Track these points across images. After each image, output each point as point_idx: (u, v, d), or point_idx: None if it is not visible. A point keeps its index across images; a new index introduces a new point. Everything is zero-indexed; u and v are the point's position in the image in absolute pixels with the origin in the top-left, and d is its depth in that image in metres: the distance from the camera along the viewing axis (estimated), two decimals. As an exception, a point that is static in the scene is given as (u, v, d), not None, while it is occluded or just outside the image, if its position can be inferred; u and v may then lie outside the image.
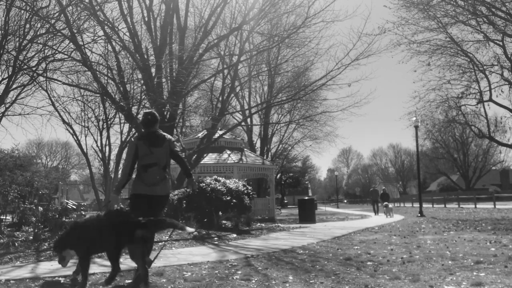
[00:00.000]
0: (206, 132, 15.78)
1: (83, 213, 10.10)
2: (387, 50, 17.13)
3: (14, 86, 9.92)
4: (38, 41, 9.90)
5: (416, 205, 32.24)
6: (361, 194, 78.02)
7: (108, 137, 9.61)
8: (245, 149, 20.19)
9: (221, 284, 4.32)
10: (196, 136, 17.95)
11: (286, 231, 11.70)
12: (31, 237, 7.36)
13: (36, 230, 7.51)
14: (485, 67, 18.99)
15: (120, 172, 12.02)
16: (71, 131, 9.61)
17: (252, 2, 13.87)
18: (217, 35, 18.31)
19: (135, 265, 5.25)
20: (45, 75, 9.93)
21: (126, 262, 5.68)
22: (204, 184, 11.22)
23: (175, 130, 14.00)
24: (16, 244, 6.78)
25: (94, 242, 4.23)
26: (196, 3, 21.75)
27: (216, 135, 15.78)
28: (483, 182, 60.07)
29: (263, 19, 14.33)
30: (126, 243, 4.19)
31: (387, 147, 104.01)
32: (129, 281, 4.51)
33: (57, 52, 10.17)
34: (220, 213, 11.43)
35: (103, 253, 6.45)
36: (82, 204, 11.46)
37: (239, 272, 4.98)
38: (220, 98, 15.59)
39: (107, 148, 10.01)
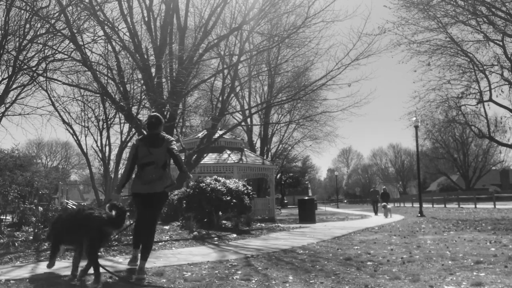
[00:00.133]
0: (206, 132, 15.77)
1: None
2: (387, 50, 17.16)
3: (14, 86, 9.91)
4: (38, 41, 9.90)
5: (416, 205, 32.24)
6: (361, 194, 77.99)
7: (108, 137, 9.62)
8: (245, 149, 20.19)
9: (221, 284, 4.32)
10: (196, 136, 17.95)
11: (286, 231, 11.70)
12: (31, 237, 7.35)
13: (36, 230, 7.50)
14: (485, 67, 19.00)
15: (120, 172, 12.04)
16: (71, 131, 9.61)
17: (252, 2, 13.88)
18: (217, 35, 18.32)
19: (135, 265, 5.27)
20: (45, 75, 9.92)
21: (126, 262, 5.68)
22: (204, 184, 11.21)
23: (175, 130, 14.00)
24: (16, 244, 6.77)
25: (63, 234, 4.55)
26: (196, 3, 21.81)
27: (216, 135, 15.77)
28: (483, 182, 60.08)
29: (263, 19, 14.33)
30: (87, 238, 4.37)
31: (387, 147, 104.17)
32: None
33: (57, 52, 10.16)
34: (220, 213, 11.43)
35: (102, 253, 6.47)
36: (82, 204, 11.46)
37: (239, 272, 4.98)
38: (220, 98, 15.59)
39: (107, 148, 10.02)
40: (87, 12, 10.29)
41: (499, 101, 23.12)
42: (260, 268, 5.28)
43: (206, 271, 5.02)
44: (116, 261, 5.83)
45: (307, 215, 16.28)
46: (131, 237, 8.05)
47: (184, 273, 4.92)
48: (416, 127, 21.66)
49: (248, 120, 29.95)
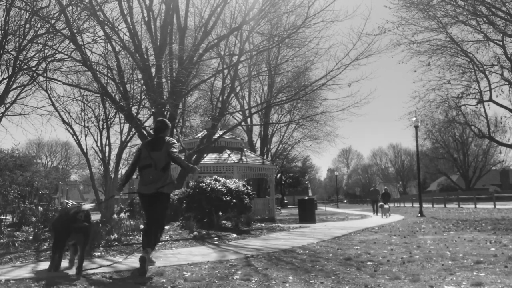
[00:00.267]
0: (206, 132, 15.77)
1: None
2: (387, 50, 17.18)
3: (14, 86, 9.89)
4: (38, 41, 9.88)
5: (416, 205, 32.25)
6: (361, 194, 78.06)
7: (108, 137, 9.58)
8: (245, 149, 20.19)
9: (221, 284, 4.32)
10: (196, 136, 17.95)
11: (286, 231, 11.70)
12: (31, 237, 7.35)
13: (36, 230, 7.50)
14: (485, 67, 19.00)
15: (120, 172, 12.04)
16: (71, 131, 9.58)
17: (252, 2, 13.88)
18: (217, 35, 18.31)
19: (135, 266, 5.27)
20: (45, 75, 9.90)
21: (126, 262, 5.69)
22: (204, 184, 11.21)
23: (175, 130, 14.00)
24: (16, 244, 6.77)
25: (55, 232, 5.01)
26: (196, 3, 21.80)
27: (216, 135, 15.77)
28: (483, 182, 60.10)
29: (263, 19, 14.33)
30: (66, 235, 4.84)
31: (387, 147, 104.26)
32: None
33: (57, 52, 10.14)
34: (220, 213, 11.42)
35: (102, 253, 6.47)
36: (82, 204, 11.45)
37: (239, 272, 4.98)
38: (220, 98, 15.59)
39: (107, 148, 10.00)
40: (87, 12, 10.28)
41: (499, 101, 23.18)
42: (260, 268, 5.28)
43: (206, 271, 5.02)
44: (116, 261, 5.83)
45: (307, 215, 16.27)
46: (130, 237, 8.06)
47: (184, 273, 4.93)
48: (416, 127, 21.66)
49: (248, 120, 29.94)
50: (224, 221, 12.16)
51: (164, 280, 4.52)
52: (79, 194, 64.31)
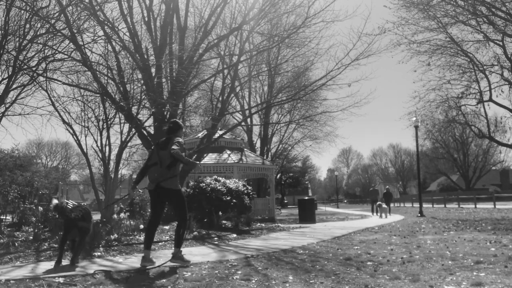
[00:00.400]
0: (206, 132, 15.78)
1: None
2: (387, 50, 17.20)
3: (14, 86, 9.88)
4: (38, 41, 9.88)
5: (416, 205, 32.25)
6: (361, 194, 78.07)
7: (108, 137, 9.55)
8: (245, 149, 20.19)
9: (221, 284, 4.32)
10: (196, 136, 17.95)
11: (286, 231, 11.70)
12: (31, 237, 7.35)
13: (36, 230, 7.50)
14: (485, 67, 19.00)
15: (120, 172, 12.04)
16: (71, 131, 9.55)
17: (252, 2, 13.88)
18: (217, 35, 18.32)
19: (135, 266, 5.28)
20: (45, 75, 9.89)
21: (126, 262, 5.69)
22: (204, 184, 11.22)
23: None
24: (16, 244, 6.77)
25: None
26: (196, 3, 21.78)
27: (216, 135, 15.77)
28: (483, 182, 60.11)
29: (263, 19, 14.33)
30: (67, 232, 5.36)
31: (387, 147, 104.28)
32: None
33: (57, 52, 10.14)
34: (220, 213, 11.42)
35: (102, 253, 6.47)
36: (82, 204, 11.46)
37: (239, 272, 4.98)
38: (220, 98, 15.59)
39: (107, 148, 9.98)
40: (87, 12, 10.28)
41: (499, 101, 23.17)
42: (260, 268, 5.28)
43: (206, 271, 5.02)
44: (116, 261, 5.84)
45: (307, 215, 16.27)
46: (130, 237, 8.07)
47: (184, 273, 4.93)
48: (416, 127, 21.66)
49: (248, 120, 29.95)
50: (224, 221, 12.16)
51: (164, 280, 4.53)
52: (79, 194, 64.28)
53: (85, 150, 9.65)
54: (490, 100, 19.17)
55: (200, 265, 5.49)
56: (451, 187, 60.33)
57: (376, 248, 7.24)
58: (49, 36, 10.02)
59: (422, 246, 7.34)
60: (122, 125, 9.90)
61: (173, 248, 5.56)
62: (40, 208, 8.60)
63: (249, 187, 12.41)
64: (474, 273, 4.67)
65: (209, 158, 17.02)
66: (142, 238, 8.18)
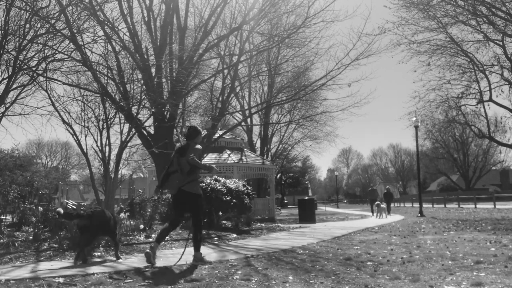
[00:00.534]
0: (206, 132, 15.77)
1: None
2: (387, 50, 17.22)
3: (14, 86, 9.86)
4: (38, 41, 9.86)
5: (416, 205, 32.25)
6: (361, 194, 78.09)
7: (108, 137, 9.54)
8: (245, 149, 20.20)
9: (221, 284, 4.32)
10: (196, 136, 17.92)
11: (286, 231, 11.70)
12: (31, 237, 7.35)
13: (36, 230, 7.49)
14: (485, 67, 19.00)
15: (120, 172, 12.02)
16: (71, 131, 9.54)
17: (252, 2, 13.89)
18: (217, 35, 18.31)
19: (135, 266, 5.28)
20: (45, 75, 9.88)
21: (126, 262, 5.69)
22: (204, 184, 11.21)
23: (175, 130, 13.99)
24: (16, 244, 6.77)
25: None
26: (196, 3, 21.78)
27: (216, 135, 15.77)
28: (483, 182, 60.11)
29: (263, 19, 14.33)
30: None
31: (387, 147, 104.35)
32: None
33: (57, 52, 10.12)
34: (220, 213, 11.42)
35: (102, 253, 6.47)
36: (82, 204, 11.46)
37: (239, 272, 4.98)
38: (220, 98, 15.59)
39: (107, 148, 9.96)
40: (87, 12, 10.27)
41: (499, 101, 23.16)
42: (260, 268, 5.28)
43: (206, 271, 5.02)
44: (116, 261, 5.83)
45: (307, 215, 16.28)
46: (131, 237, 8.07)
47: (184, 273, 4.93)
48: (416, 127, 21.66)
49: (248, 120, 29.94)
50: (224, 221, 12.16)
51: (164, 280, 4.53)
52: (79, 194, 64.28)
53: (85, 150, 9.64)
54: (490, 100, 19.17)
55: (200, 265, 5.49)
56: (451, 187, 60.33)
57: (376, 248, 7.24)
58: (49, 36, 10.01)
59: (422, 246, 7.34)
60: (122, 125, 9.89)
61: (193, 251, 5.83)
62: (40, 208, 8.58)
63: (249, 187, 12.41)
64: (474, 273, 4.67)
65: (209, 158, 17.02)
66: (142, 238, 8.19)
